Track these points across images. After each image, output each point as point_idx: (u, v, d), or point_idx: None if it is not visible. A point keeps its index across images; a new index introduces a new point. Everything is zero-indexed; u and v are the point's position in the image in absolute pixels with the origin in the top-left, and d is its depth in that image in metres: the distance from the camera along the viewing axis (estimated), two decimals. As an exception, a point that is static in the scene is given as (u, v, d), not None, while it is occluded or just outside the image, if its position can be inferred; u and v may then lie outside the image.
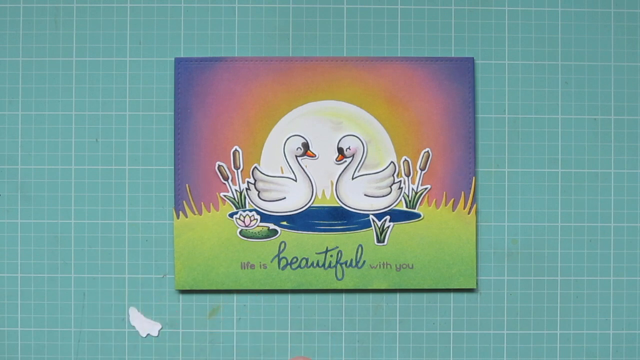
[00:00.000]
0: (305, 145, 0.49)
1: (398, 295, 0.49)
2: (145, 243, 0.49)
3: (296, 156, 0.49)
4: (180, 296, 0.49)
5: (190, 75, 0.49)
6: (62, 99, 0.49)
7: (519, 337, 0.49)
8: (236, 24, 0.49)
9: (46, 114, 0.49)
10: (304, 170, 0.49)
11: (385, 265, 0.49)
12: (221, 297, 0.49)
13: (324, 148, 0.49)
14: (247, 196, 0.49)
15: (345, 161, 0.49)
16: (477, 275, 0.49)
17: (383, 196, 0.49)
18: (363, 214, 0.49)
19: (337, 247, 0.49)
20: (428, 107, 0.49)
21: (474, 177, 0.49)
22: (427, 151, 0.49)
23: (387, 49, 0.49)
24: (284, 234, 0.49)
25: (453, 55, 0.49)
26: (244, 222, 0.49)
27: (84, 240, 0.49)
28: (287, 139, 0.49)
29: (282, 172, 0.49)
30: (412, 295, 0.49)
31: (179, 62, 0.49)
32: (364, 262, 0.49)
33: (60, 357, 0.49)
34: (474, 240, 0.49)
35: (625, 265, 0.50)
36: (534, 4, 0.50)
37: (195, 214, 0.48)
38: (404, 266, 0.49)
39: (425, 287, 0.49)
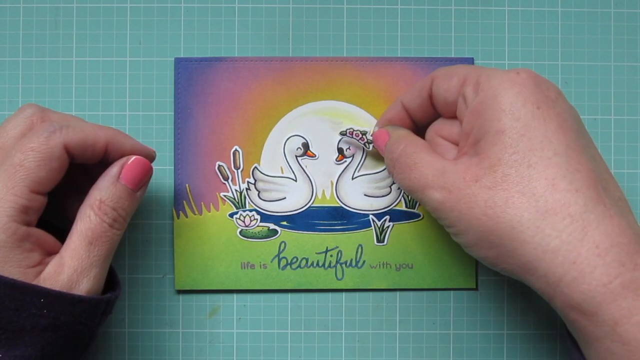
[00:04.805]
0: (305, 145, 0.49)
1: (398, 295, 0.49)
2: (145, 243, 0.49)
3: (296, 156, 0.49)
4: (180, 296, 0.49)
5: (190, 75, 0.49)
6: (62, 99, 0.49)
7: (518, 337, 0.49)
8: (236, 24, 0.49)
9: (46, 114, 0.49)
10: (304, 170, 0.49)
11: (385, 265, 0.49)
12: (221, 297, 0.49)
13: (324, 148, 0.49)
14: (247, 196, 0.49)
15: (345, 161, 0.49)
16: (477, 275, 0.49)
17: (383, 196, 0.49)
18: (363, 214, 0.49)
19: (337, 247, 0.49)
20: (428, 107, 0.49)
21: (474, 177, 0.49)
22: (427, 151, 0.49)
23: (387, 49, 0.49)
24: (284, 234, 0.49)
25: (453, 56, 0.49)
26: (244, 222, 0.49)
27: (84, 240, 0.49)
28: (287, 139, 0.49)
29: (282, 172, 0.49)
30: (412, 295, 0.49)
31: (179, 62, 0.49)
32: (364, 262, 0.49)
33: (60, 357, 0.49)
34: (474, 240, 0.49)
35: (625, 265, 0.49)
36: (534, 4, 0.50)
37: (195, 214, 0.48)
38: (404, 266, 0.49)
39: (425, 287, 0.49)
